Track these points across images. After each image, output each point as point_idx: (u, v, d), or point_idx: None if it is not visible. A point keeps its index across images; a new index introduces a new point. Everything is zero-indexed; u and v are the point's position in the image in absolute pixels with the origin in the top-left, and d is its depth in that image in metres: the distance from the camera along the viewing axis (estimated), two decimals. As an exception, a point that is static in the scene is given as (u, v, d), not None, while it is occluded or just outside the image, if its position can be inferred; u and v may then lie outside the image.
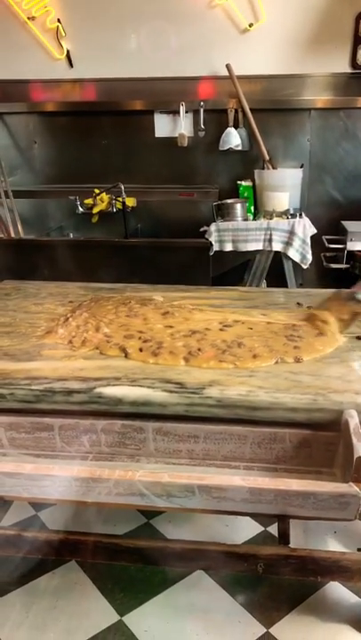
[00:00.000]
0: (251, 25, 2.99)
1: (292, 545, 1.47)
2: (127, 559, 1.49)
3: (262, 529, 1.91)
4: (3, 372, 1.34)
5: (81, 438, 1.30)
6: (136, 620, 1.58)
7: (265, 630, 1.53)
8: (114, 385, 1.27)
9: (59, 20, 3.08)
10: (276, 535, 1.86)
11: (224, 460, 1.27)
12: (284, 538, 1.12)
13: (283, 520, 1.11)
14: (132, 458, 1.30)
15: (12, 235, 3.17)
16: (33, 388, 1.28)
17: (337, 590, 1.65)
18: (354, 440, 1.10)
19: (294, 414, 1.21)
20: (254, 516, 1.18)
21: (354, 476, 1.08)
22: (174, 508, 1.15)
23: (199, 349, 1.41)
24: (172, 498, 1.13)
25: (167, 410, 1.25)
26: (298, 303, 1.81)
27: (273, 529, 1.90)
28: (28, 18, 3.08)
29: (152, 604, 1.63)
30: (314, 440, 1.22)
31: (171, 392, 1.25)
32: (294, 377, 1.30)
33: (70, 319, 1.66)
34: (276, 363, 1.36)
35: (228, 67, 3.00)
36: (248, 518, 1.94)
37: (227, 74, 3.01)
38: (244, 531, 1.90)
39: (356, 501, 1.07)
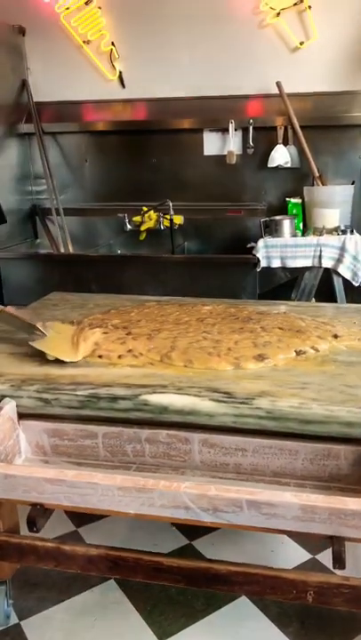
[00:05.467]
0: (302, 43, 2.99)
1: (345, 573, 1.37)
2: (169, 579, 1.41)
3: (310, 556, 1.81)
4: (48, 376, 1.33)
5: (125, 447, 1.26)
6: (176, 645, 1.50)
7: (314, 665, 1.43)
8: (160, 392, 1.24)
9: (113, 44, 3.16)
10: (325, 563, 1.76)
11: (273, 475, 1.20)
12: (339, 562, 1.04)
13: (338, 542, 1.03)
14: (176, 470, 1.25)
15: (62, 252, 3.22)
16: (78, 393, 1.25)
17: (393, 627, 1.53)
18: None
19: (350, 429, 1.14)
20: (306, 536, 1.10)
21: None
22: (220, 524, 1.09)
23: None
24: (218, 513, 1.07)
25: (214, 420, 1.19)
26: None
27: (321, 557, 1.80)
28: (84, 41, 3.18)
29: (193, 630, 1.55)
30: (371, 457, 1.14)
31: (218, 401, 1.20)
32: (350, 390, 1.23)
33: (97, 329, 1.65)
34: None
35: (278, 84, 2.99)
36: (295, 544, 1.84)
37: (277, 92, 3.00)
38: (290, 557, 1.80)
39: None
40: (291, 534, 1.07)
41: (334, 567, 1.07)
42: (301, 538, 1.84)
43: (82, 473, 1.11)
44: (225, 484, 1.18)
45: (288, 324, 1.69)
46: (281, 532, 1.09)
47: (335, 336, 1.58)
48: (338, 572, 1.39)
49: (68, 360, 1.40)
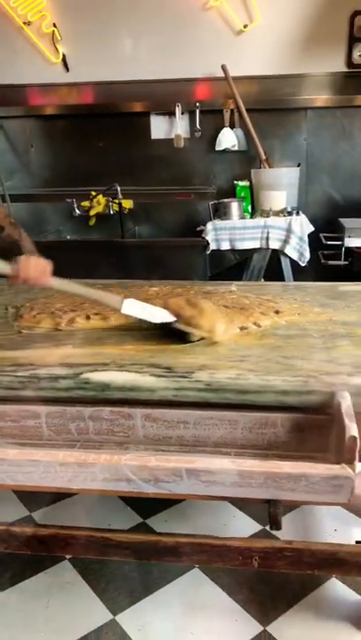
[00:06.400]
0: (245, 26, 3.00)
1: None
2: (119, 554, 1.44)
3: (261, 527, 1.86)
4: (-12, 359, 1.32)
5: (68, 426, 1.27)
6: (129, 618, 1.53)
7: (262, 629, 1.48)
8: (101, 370, 1.25)
9: (54, 25, 3.10)
10: (274, 532, 1.82)
11: (215, 446, 1.23)
12: (275, 524, 1.08)
13: (274, 505, 1.08)
14: (120, 446, 1.26)
15: (9, 238, 3.15)
16: (18, 374, 1.25)
17: (336, 588, 1.60)
18: (346, 421, 1.06)
19: (285, 397, 1.18)
20: (245, 501, 1.14)
21: (346, 458, 1.04)
22: (162, 494, 1.11)
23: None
24: (159, 483, 1.10)
25: (156, 395, 1.22)
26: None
27: (271, 527, 1.86)
28: (24, 23, 3.10)
29: (146, 603, 1.58)
30: (306, 424, 1.19)
31: (159, 376, 1.22)
32: (286, 361, 1.27)
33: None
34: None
35: (223, 68, 3.00)
36: (246, 516, 1.89)
37: (222, 75, 3.02)
38: (241, 529, 1.85)
39: (349, 483, 1.03)
40: (230, 500, 1.11)
41: (271, 529, 1.12)
42: (252, 510, 1.89)
43: (23, 451, 1.11)
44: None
45: (233, 302, 1.72)
46: (221, 498, 1.12)
47: (277, 312, 1.62)
48: (279, 534, 1.45)
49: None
